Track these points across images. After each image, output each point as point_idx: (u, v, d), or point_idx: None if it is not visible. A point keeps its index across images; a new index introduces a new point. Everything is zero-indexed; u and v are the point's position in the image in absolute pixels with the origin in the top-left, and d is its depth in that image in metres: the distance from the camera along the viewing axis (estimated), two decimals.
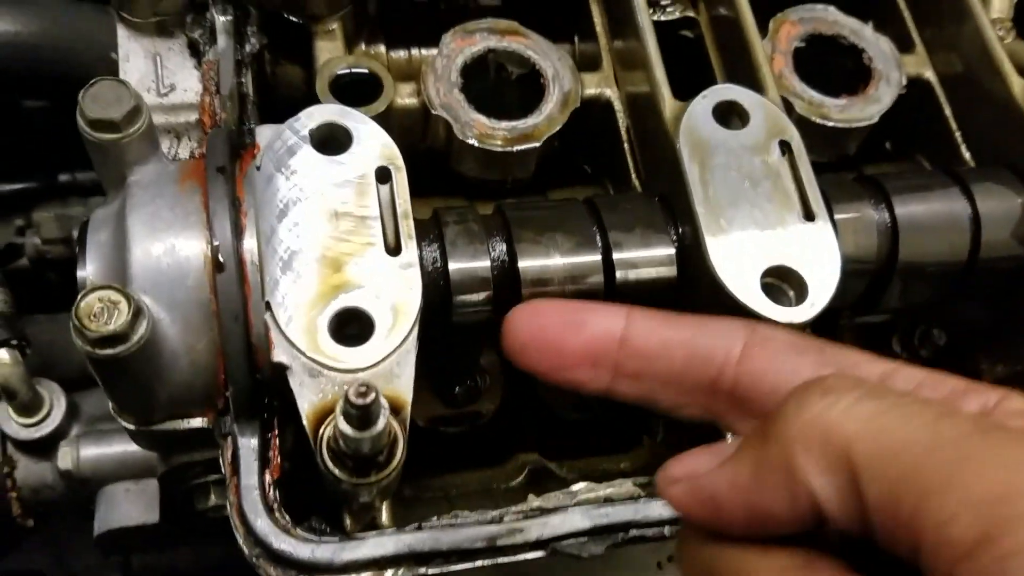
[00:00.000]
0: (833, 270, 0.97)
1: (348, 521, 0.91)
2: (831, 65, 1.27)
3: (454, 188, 1.23)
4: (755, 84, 1.12)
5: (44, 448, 1.23)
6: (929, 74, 1.27)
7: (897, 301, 1.12)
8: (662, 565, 1.22)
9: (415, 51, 1.30)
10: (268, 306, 0.85)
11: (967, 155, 1.22)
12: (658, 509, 0.92)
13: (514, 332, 0.80)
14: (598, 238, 1.02)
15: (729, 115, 1.06)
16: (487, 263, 0.98)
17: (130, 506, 1.17)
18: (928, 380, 0.70)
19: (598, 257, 1.01)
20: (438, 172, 1.22)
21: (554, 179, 1.27)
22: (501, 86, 1.24)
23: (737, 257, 0.97)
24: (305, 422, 0.81)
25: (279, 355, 0.84)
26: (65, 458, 1.19)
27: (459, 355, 1.16)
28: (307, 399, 0.82)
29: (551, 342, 0.77)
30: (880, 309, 1.14)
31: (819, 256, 0.97)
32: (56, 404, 1.23)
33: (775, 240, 0.98)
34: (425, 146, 1.20)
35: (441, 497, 1.18)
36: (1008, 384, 1.19)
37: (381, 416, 0.74)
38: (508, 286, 0.99)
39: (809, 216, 0.99)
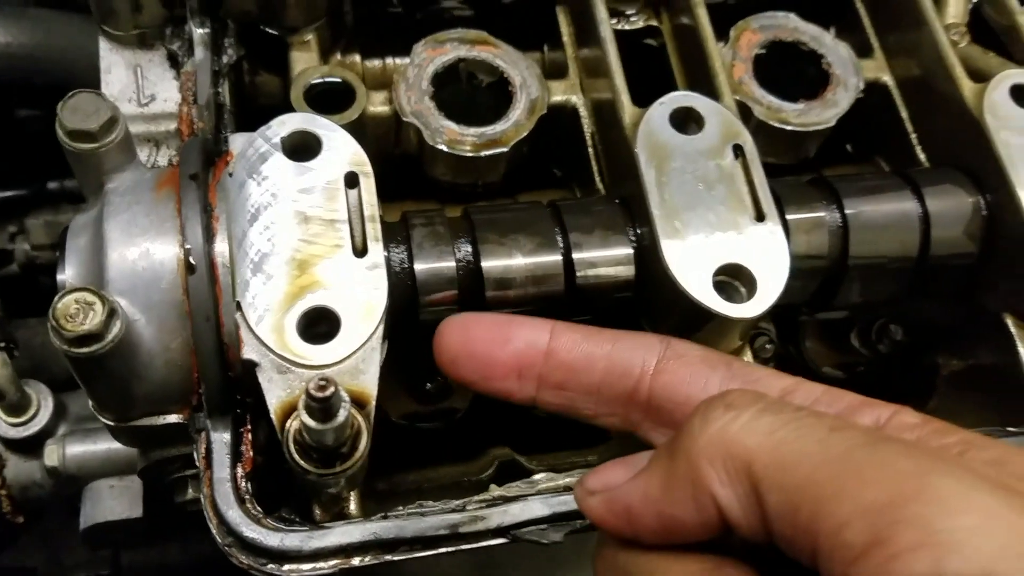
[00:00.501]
0: (782, 267, 1.01)
1: (317, 512, 0.95)
2: (793, 71, 1.32)
3: (427, 192, 1.27)
4: (712, 90, 1.16)
5: (32, 447, 1.28)
6: (887, 78, 1.31)
7: (853, 298, 1.17)
8: None
9: (390, 61, 1.35)
10: (239, 306, 0.90)
11: (922, 157, 1.26)
12: None
13: (444, 345, 0.85)
14: (559, 239, 1.06)
15: (686, 121, 1.10)
16: (452, 264, 1.03)
17: (114, 502, 1.21)
18: (825, 396, 0.75)
19: (559, 257, 1.05)
20: (411, 177, 1.26)
21: (525, 183, 1.31)
22: (473, 94, 1.28)
23: (691, 256, 1.01)
24: (273, 416, 0.85)
25: (249, 353, 0.88)
26: (52, 456, 1.23)
27: (429, 353, 1.20)
28: (275, 395, 0.87)
29: (479, 355, 0.82)
30: (837, 306, 1.18)
31: (769, 254, 1.02)
32: (43, 404, 1.28)
33: (727, 240, 1.02)
34: (398, 152, 1.24)
35: (413, 491, 1.22)
36: (964, 378, 1.24)
37: (342, 409, 0.79)
38: (473, 286, 1.03)
39: (760, 217, 1.04)
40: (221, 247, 0.93)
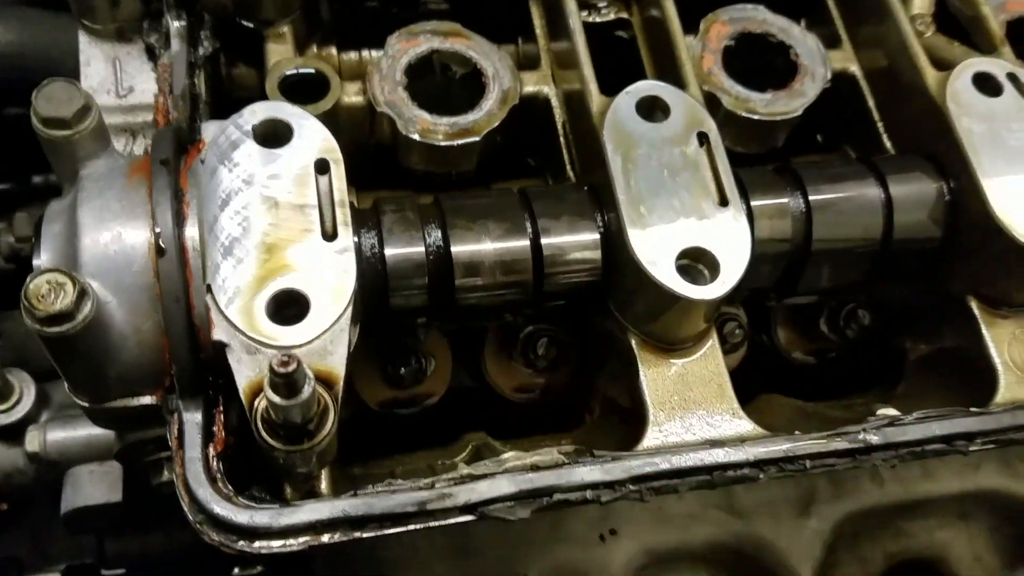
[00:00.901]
0: (744, 250, 1.03)
1: (288, 491, 0.97)
2: (762, 62, 1.34)
3: (402, 182, 1.29)
4: (678, 80, 1.19)
5: (15, 434, 1.29)
6: (855, 68, 1.34)
7: (819, 283, 1.19)
8: (604, 538, 1.27)
9: (366, 53, 1.37)
10: (209, 289, 0.92)
11: (889, 145, 1.28)
12: (581, 474, 0.97)
13: None
14: (528, 225, 1.08)
15: (652, 109, 1.12)
16: (422, 249, 1.05)
17: (94, 487, 1.23)
18: None
19: (527, 243, 1.07)
20: (387, 167, 1.28)
21: (500, 173, 1.33)
22: (447, 85, 1.30)
23: (655, 241, 1.03)
24: (242, 395, 0.87)
25: (219, 334, 0.90)
26: (33, 441, 1.25)
27: (402, 338, 1.23)
28: (244, 375, 0.88)
29: None
30: (803, 291, 1.20)
31: (731, 238, 1.04)
32: (26, 392, 1.30)
33: (691, 224, 1.04)
34: (373, 142, 1.26)
35: (387, 474, 1.23)
36: (931, 362, 1.26)
37: (306, 385, 0.80)
38: (442, 271, 1.05)
39: (723, 202, 1.06)
40: (192, 231, 0.95)
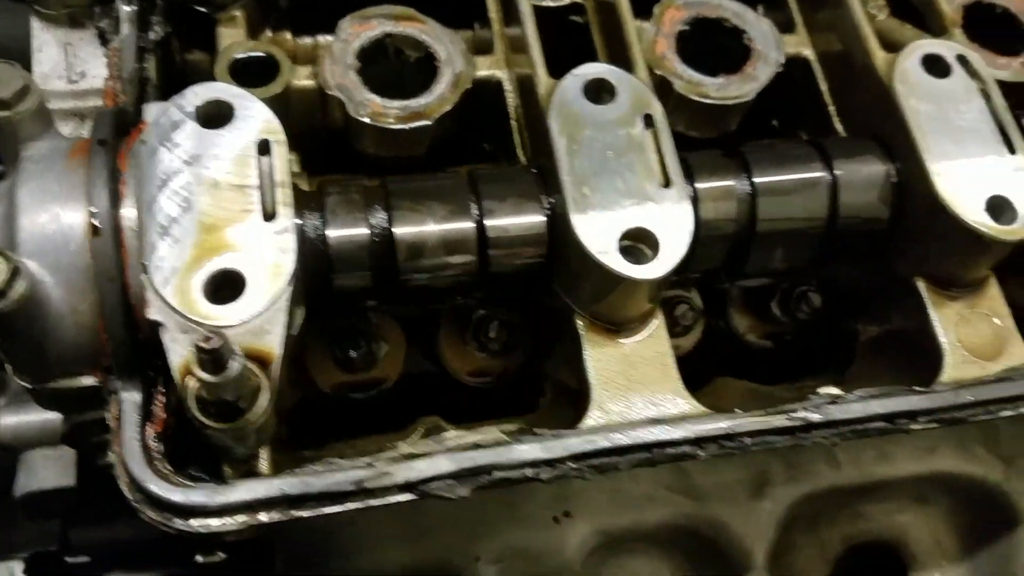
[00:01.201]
0: (686, 230, 1.04)
1: (228, 470, 0.97)
2: (716, 47, 1.34)
3: (356, 167, 1.29)
4: (626, 63, 1.19)
5: None
6: (808, 52, 1.34)
7: (769, 264, 1.19)
8: (558, 519, 1.28)
9: (321, 38, 1.37)
10: (145, 268, 0.92)
11: (841, 128, 1.28)
12: (521, 452, 0.98)
13: None
14: (473, 206, 1.08)
15: (599, 92, 1.13)
16: (365, 230, 1.05)
17: (47, 471, 1.23)
18: None
19: (472, 224, 1.08)
20: (340, 152, 1.28)
21: (456, 158, 1.33)
22: (400, 70, 1.30)
23: (598, 222, 1.04)
24: (173, 373, 0.87)
25: (153, 313, 0.90)
26: None
27: (353, 321, 1.23)
28: (178, 353, 0.89)
29: None
30: (752, 272, 1.20)
31: (674, 218, 1.04)
32: None
33: (634, 206, 1.05)
34: (325, 126, 1.26)
35: (337, 458, 1.24)
36: (881, 343, 1.27)
37: (234, 362, 0.81)
38: (386, 252, 1.05)
39: (667, 183, 1.06)
40: (129, 212, 0.95)
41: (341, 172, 1.29)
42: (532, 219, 1.09)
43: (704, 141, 1.28)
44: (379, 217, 1.06)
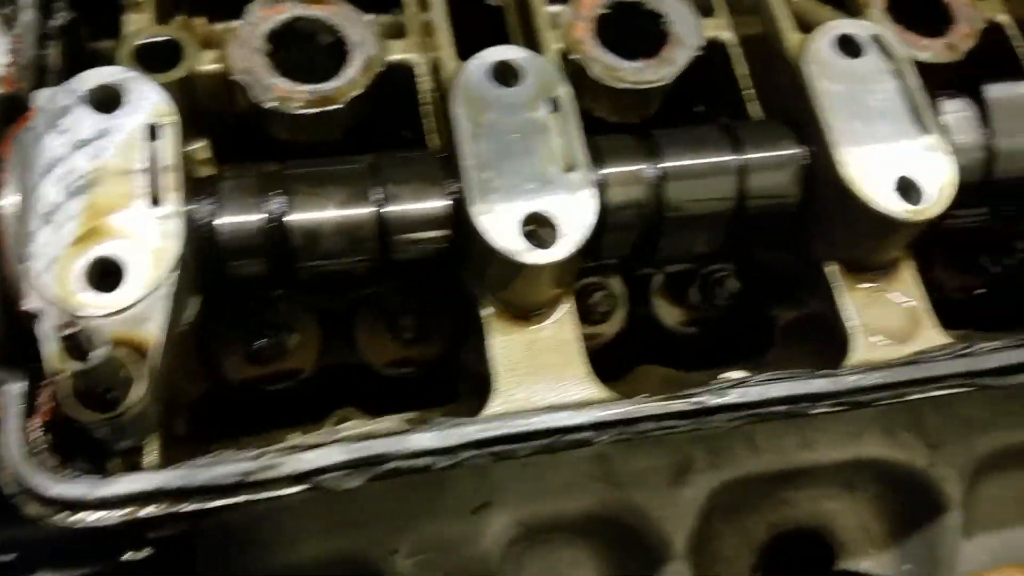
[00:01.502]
0: (588, 214, 1.02)
1: (111, 463, 0.95)
2: (634, 30, 1.32)
3: (271, 154, 1.27)
4: (535, 46, 1.17)
5: None
6: (727, 36, 1.32)
7: (681, 249, 1.18)
8: (476, 511, 1.26)
9: (236, 23, 1.34)
10: (24, 257, 0.89)
11: (759, 112, 1.27)
12: (415, 441, 0.96)
13: None
14: (373, 192, 1.06)
15: (505, 75, 1.11)
16: (259, 216, 1.03)
17: None
18: None
19: (373, 209, 1.06)
20: (253, 139, 1.26)
21: (375, 145, 1.31)
22: (313, 55, 1.28)
23: (499, 207, 1.02)
24: (44, 363, 0.85)
25: (31, 302, 0.88)
26: None
27: (256, 311, 1.21)
28: (52, 343, 0.86)
29: None
30: (668, 258, 1.19)
31: (576, 202, 1.03)
32: None
33: (536, 190, 1.03)
34: (233, 112, 1.24)
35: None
36: (797, 328, 1.26)
37: (98, 350, 0.79)
38: (281, 238, 1.03)
39: (570, 167, 1.05)
40: (11, 199, 0.93)
41: (256, 159, 1.27)
42: (434, 204, 1.07)
43: (625, 126, 1.27)
44: (275, 203, 1.04)
